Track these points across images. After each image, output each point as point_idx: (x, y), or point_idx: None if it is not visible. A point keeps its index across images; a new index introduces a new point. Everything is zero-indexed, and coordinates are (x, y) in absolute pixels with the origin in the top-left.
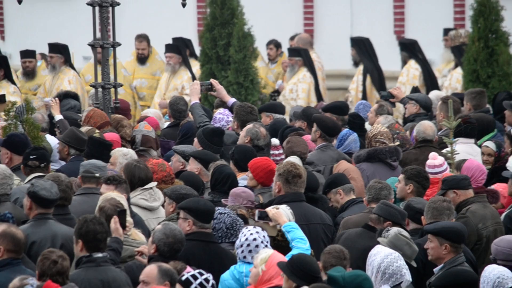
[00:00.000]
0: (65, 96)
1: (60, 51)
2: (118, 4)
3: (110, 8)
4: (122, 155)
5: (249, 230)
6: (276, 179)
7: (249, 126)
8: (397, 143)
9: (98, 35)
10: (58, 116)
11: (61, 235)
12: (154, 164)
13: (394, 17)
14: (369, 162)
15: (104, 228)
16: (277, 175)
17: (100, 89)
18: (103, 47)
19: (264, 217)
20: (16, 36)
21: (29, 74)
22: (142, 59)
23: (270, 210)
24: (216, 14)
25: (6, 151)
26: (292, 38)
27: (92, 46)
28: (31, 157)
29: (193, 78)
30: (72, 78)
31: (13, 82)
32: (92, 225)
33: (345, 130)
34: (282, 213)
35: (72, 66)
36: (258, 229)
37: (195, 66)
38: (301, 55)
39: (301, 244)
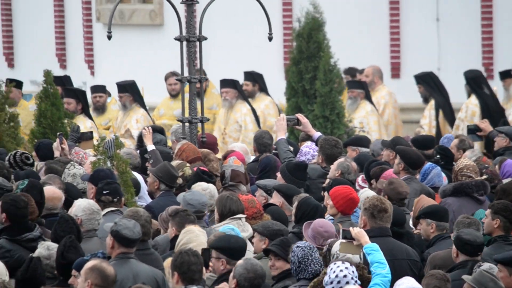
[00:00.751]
0: (153, 130)
1: (127, 90)
2: (205, 38)
3: (198, 43)
4: (201, 190)
5: (338, 266)
6: (361, 213)
7: (341, 160)
8: (485, 177)
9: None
10: (150, 146)
11: (143, 275)
12: (244, 201)
13: (482, 49)
14: (455, 196)
15: (199, 259)
16: (362, 209)
17: (187, 124)
18: (190, 82)
19: (349, 237)
20: (105, 70)
21: (99, 109)
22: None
23: (353, 229)
24: (302, 47)
25: (91, 186)
26: (361, 72)
27: (180, 80)
28: (104, 192)
29: (253, 111)
30: (140, 117)
31: (90, 117)
32: (186, 256)
33: (428, 164)
34: (364, 234)
35: (142, 102)
36: (347, 264)
37: (264, 101)
38: (363, 87)
39: (379, 269)
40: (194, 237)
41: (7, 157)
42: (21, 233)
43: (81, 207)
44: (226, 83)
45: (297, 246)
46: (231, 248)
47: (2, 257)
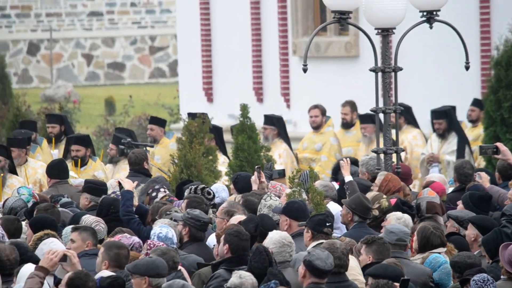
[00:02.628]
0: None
1: (274, 123)
2: (401, 69)
3: (393, 74)
4: (396, 219)
5: None
6: None
7: None
8: None
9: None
10: (348, 178)
11: None
12: None
13: None
14: None
15: None
16: None
17: (381, 155)
18: (385, 113)
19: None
20: (301, 103)
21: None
22: (346, 124)
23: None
24: (500, 75)
25: (285, 218)
26: None
27: (375, 111)
28: (327, 224)
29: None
30: (282, 152)
31: (224, 153)
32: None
33: None
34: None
35: (286, 137)
36: None
37: (411, 132)
38: None
39: None
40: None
41: (188, 190)
42: (239, 265)
43: (272, 239)
44: (365, 119)
45: (473, 280)
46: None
47: (218, 285)
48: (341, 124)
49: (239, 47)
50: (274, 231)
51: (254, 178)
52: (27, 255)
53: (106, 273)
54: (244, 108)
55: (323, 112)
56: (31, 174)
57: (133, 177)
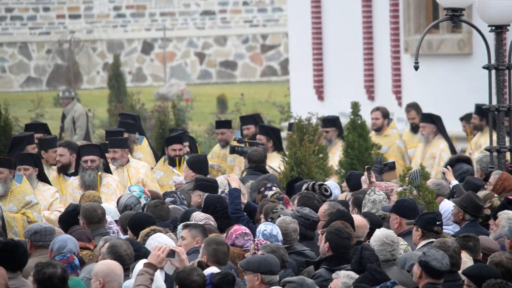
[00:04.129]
0: (457, 161)
1: (335, 124)
2: None
3: (507, 71)
4: (507, 219)
5: None
6: None
7: None
8: None
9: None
10: (454, 182)
11: None
12: None
13: None
14: None
15: None
16: None
17: (495, 153)
18: (499, 111)
19: None
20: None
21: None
22: (415, 127)
23: None
24: None
25: (395, 216)
26: None
27: (487, 109)
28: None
29: (451, 148)
30: (341, 154)
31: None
32: None
33: None
34: None
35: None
36: None
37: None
38: None
39: None
40: None
41: (305, 186)
42: (340, 263)
43: (375, 237)
44: (425, 118)
45: None
46: None
47: (320, 285)
48: (410, 128)
49: (350, 45)
50: (379, 229)
51: (364, 178)
52: (142, 251)
53: (215, 269)
54: (355, 106)
55: (385, 114)
56: (134, 174)
57: (251, 175)
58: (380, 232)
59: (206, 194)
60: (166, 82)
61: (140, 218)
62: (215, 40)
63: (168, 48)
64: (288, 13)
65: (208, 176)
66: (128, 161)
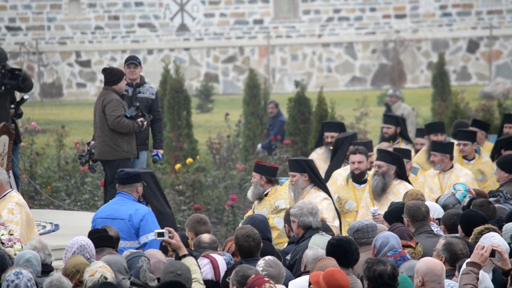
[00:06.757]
0: None
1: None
2: None
3: None
4: None
5: None
6: None
7: None
8: None
9: None
10: None
11: None
12: None
13: None
14: None
15: None
16: None
17: None
18: None
19: None
20: None
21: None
22: None
23: None
24: None
25: None
26: None
27: None
28: None
29: None
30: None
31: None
32: None
33: None
34: None
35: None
36: None
37: None
38: None
39: None
40: None
41: None
42: None
43: None
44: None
45: None
46: None
47: None
48: None
49: None
50: None
51: None
52: None
53: None
54: None
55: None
56: (453, 181)
57: None
58: None
59: None
60: (491, 81)
61: (472, 217)
62: None
63: (494, 46)
64: None
65: None
66: (452, 166)
